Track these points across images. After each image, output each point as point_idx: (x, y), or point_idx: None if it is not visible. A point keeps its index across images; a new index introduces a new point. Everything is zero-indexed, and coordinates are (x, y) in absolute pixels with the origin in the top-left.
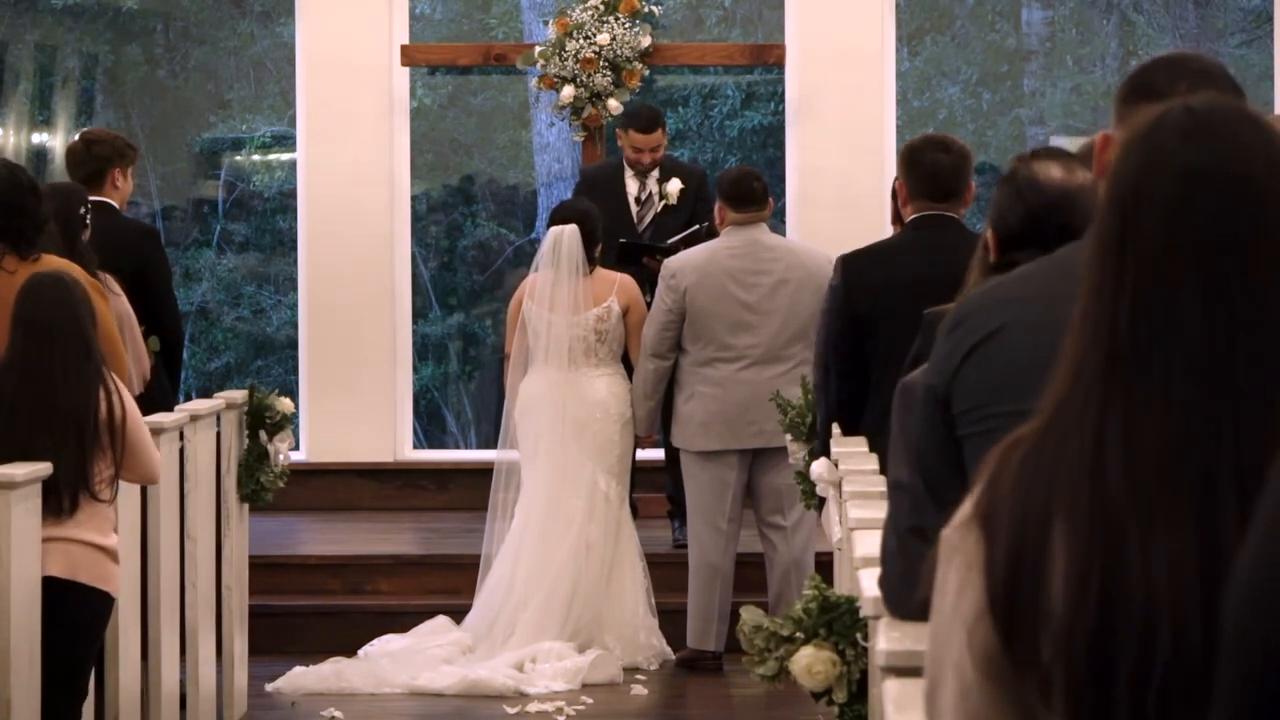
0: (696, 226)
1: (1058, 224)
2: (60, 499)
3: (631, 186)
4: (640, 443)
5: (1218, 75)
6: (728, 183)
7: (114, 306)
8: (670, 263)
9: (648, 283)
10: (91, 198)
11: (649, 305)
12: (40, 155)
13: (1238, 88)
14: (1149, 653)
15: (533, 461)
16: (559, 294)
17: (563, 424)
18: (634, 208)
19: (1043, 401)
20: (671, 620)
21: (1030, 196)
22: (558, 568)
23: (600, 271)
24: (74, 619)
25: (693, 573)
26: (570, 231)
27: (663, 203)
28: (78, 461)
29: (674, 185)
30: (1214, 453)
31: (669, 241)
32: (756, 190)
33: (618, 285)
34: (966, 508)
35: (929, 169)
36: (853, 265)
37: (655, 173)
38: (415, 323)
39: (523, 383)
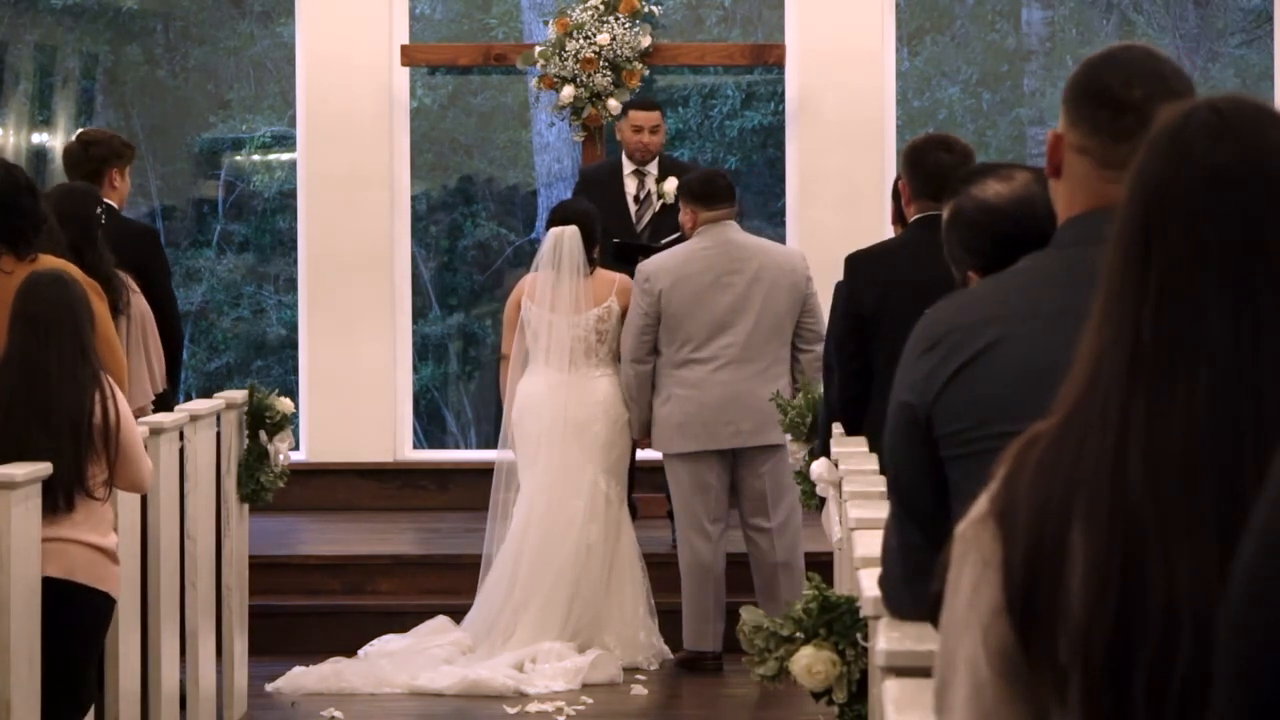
0: None
1: (1033, 232)
2: (56, 498)
3: (630, 185)
4: (639, 443)
5: (1170, 74)
6: (697, 184)
7: (135, 305)
8: (644, 266)
9: None
10: None
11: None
12: (40, 155)
13: (1186, 80)
14: (1170, 656)
15: (533, 462)
16: (560, 294)
17: (563, 425)
18: (632, 207)
19: (1060, 399)
20: (671, 620)
21: (989, 220)
22: (558, 568)
23: (600, 272)
24: (72, 620)
25: (685, 574)
26: (571, 233)
27: (660, 202)
28: (74, 460)
29: (671, 184)
30: (1236, 457)
31: (663, 241)
32: (724, 188)
33: (617, 285)
34: (982, 504)
35: (931, 169)
36: (857, 265)
37: (654, 171)
38: (415, 323)
39: (521, 383)
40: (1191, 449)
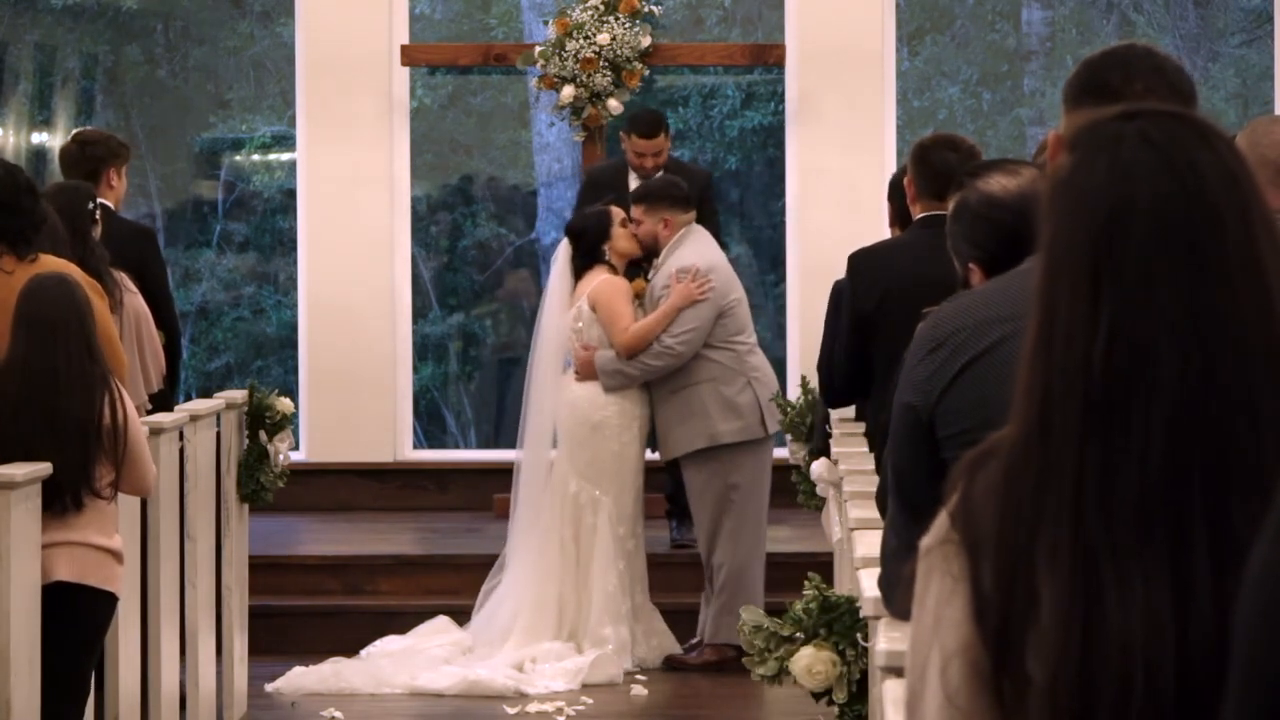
0: None
1: (1036, 227)
2: (64, 499)
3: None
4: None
5: (1171, 71)
6: (676, 189)
7: (129, 305)
8: (700, 262)
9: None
10: None
11: (645, 310)
12: (40, 155)
13: (1188, 80)
14: (1124, 706)
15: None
16: (550, 300)
17: (553, 425)
18: None
19: (1011, 423)
20: (671, 620)
21: (996, 214)
22: (544, 569)
23: (588, 275)
24: (82, 621)
25: (743, 569)
26: (564, 243)
27: None
28: (80, 461)
29: None
30: (1188, 502)
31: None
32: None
33: (591, 288)
34: (943, 521)
35: (937, 168)
36: (860, 264)
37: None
38: (415, 323)
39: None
40: (1144, 493)
